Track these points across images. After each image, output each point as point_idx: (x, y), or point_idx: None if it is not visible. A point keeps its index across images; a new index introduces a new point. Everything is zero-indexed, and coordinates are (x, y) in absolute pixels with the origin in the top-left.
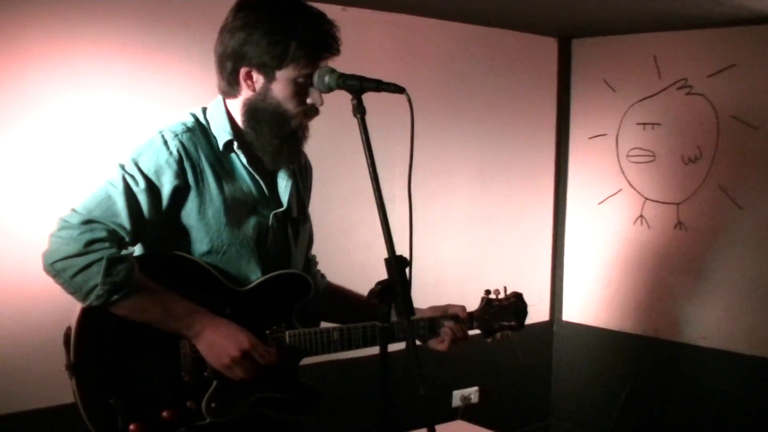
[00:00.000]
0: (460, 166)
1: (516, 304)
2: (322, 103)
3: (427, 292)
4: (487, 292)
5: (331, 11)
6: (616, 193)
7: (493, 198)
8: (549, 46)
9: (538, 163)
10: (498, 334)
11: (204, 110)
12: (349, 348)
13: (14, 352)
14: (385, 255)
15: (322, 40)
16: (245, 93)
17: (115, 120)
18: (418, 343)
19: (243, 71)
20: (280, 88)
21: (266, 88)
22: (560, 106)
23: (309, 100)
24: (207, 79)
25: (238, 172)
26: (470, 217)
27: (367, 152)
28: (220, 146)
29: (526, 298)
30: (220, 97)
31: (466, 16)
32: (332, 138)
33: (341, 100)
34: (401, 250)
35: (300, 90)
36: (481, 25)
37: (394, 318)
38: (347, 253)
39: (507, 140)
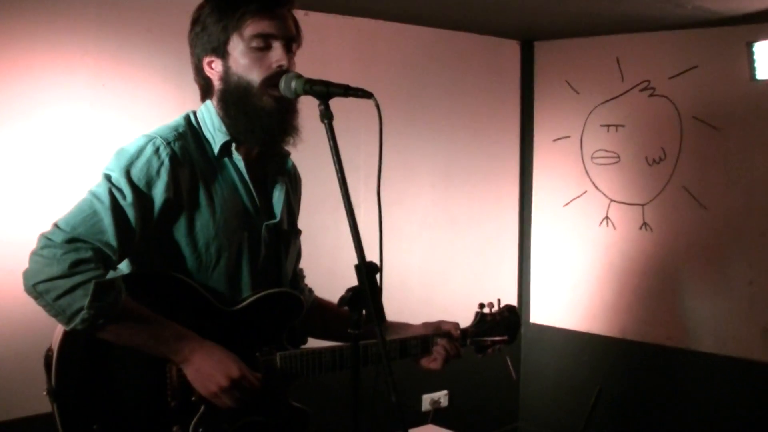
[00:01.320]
0: (423, 170)
1: (509, 318)
2: (288, 63)
3: (393, 296)
4: (481, 306)
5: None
6: (581, 195)
7: (458, 202)
8: (511, 49)
9: (503, 166)
10: (490, 350)
11: (194, 114)
12: (342, 369)
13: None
14: (353, 261)
15: None
16: (216, 84)
17: (78, 130)
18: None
19: (205, 63)
20: (237, 61)
21: (226, 68)
22: (524, 108)
23: (274, 65)
24: (169, 87)
25: (231, 181)
26: (435, 221)
27: (335, 158)
28: (216, 150)
29: (498, 297)
30: (208, 101)
31: (428, 20)
32: (295, 144)
33: (302, 105)
34: (369, 256)
35: (258, 56)
36: (443, 28)
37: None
38: (314, 260)
39: (471, 144)
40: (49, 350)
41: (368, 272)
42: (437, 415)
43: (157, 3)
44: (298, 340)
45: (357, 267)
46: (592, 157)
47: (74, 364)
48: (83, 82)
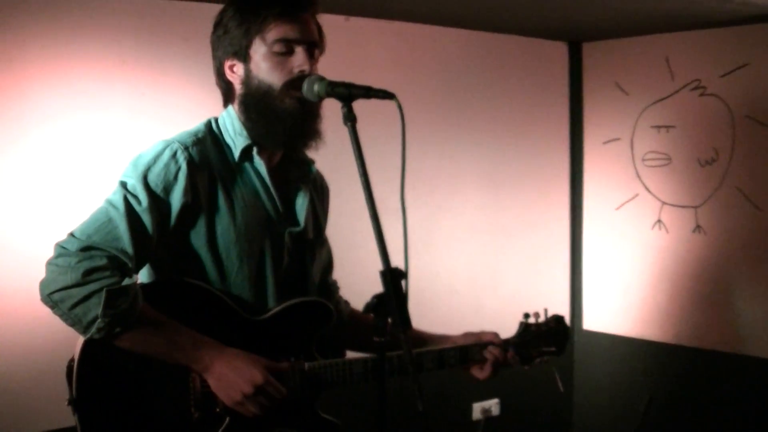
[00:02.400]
0: (470, 176)
1: (556, 328)
2: (309, 67)
3: (443, 303)
4: (526, 315)
5: (335, 21)
6: (633, 198)
7: (507, 207)
8: (559, 51)
9: (552, 170)
10: (537, 360)
11: (216, 120)
12: (374, 380)
13: (19, 372)
14: (397, 267)
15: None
16: (237, 88)
17: (115, 139)
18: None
19: (227, 66)
20: (258, 65)
21: (247, 71)
22: (573, 111)
23: (295, 70)
24: (206, 95)
25: (253, 186)
26: (483, 227)
27: (358, 161)
28: (236, 155)
29: (546, 307)
30: (230, 107)
31: (473, 23)
32: (343, 149)
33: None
34: (414, 262)
35: (280, 60)
36: (489, 31)
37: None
38: (360, 266)
39: (519, 148)
40: (71, 360)
41: (394, 278)
42: (488, 424)
43: (193, 12)
44: (335, 353)
45: (382, 273)
46: (643, 159)
47: (95, 373)
48: (121, 91)
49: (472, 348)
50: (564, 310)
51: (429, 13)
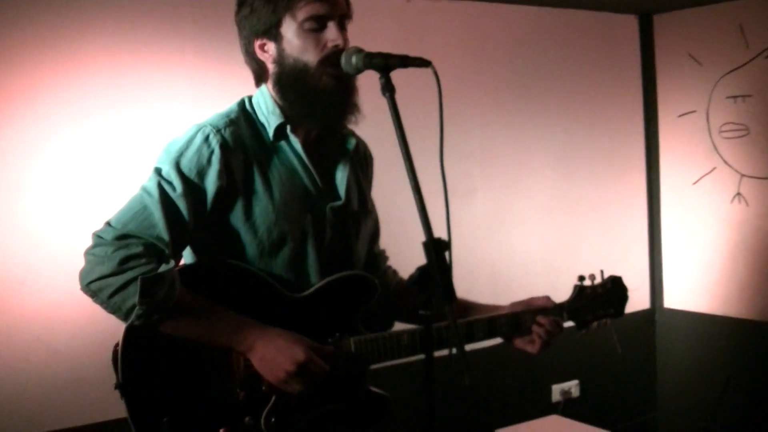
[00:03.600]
0: (543, 155)
1: (613, 290)
2: (343, 41)
3: (516, 283)
4: (581, 278)
5: (395, 4)
6: (711, 171)
7: (582, 186)
8: (629, 24)
9: (627, 146)
10: (594, 324)
11: (249, 99)
12: (423, 352)
13: (73, 364)
14: (460, 240)
15: None
16: (270, 67)
17: (178, 130)
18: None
19: (257, 46)
20: (291, 43)
21: (280, 50)
22: (646, 85)
23: (330, 44)
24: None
25: (290, 164)
26: (558, 207)
27: (398, 132)
28: (271, 133)
29: (601, 268)
30: (263, 86)
31: None
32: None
33: (405, 82)
34: (489, 244)
35: (313, 37)
36: (555, 7)
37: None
38: (418, 240)
39: (592, 125)
40: (117, 345)
41: (437, 249)
42: (568, 406)
43: None
44: (384, 325)
45: (425, 244)
46: (719, 131)
47: (139, 358)
48: (183, 82)
49: (524, 315)
50: (644, 289)
51: None
